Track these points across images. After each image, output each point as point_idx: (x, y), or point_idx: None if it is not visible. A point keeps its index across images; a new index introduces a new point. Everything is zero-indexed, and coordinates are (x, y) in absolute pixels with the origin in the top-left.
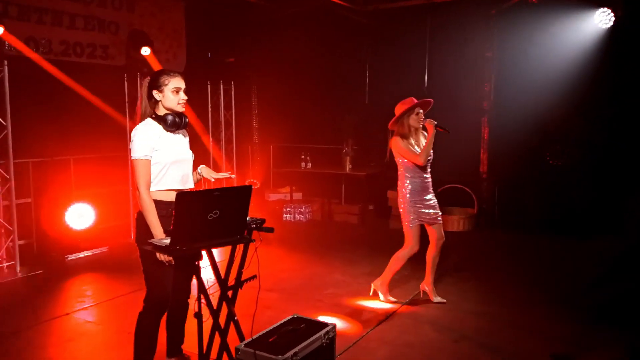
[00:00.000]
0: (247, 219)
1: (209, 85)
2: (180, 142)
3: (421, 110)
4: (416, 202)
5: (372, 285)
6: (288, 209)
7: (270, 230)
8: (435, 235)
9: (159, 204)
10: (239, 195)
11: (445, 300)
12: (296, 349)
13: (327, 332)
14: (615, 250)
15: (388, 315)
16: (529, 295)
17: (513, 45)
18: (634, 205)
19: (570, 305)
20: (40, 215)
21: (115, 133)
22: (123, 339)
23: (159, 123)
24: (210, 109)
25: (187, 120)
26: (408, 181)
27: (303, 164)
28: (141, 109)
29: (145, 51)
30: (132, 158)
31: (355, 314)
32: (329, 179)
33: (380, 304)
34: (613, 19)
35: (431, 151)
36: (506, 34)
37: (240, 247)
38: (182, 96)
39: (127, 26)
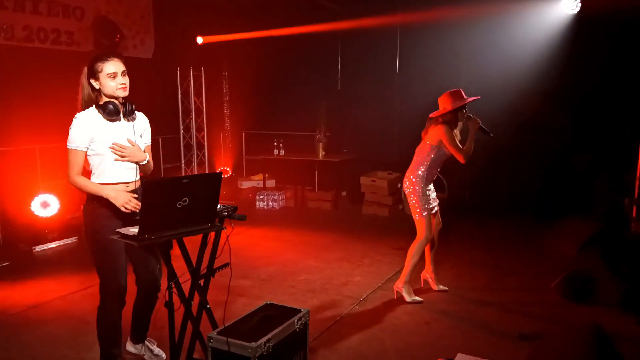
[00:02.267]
0: (219, 206)
1: (178, 71)
2: (123, 132)
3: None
4: (426, 190)
5: (395, 289)
6: (261, 197)
7: (243, 217)
8: (434, 222)
9: (102, 199)
10: (209, 183)
11: (447, 288)
12: (269, 336)
13: (300, 318)
14: (581, 232)
15: (361, 300)
16: (499, 276)
17: (483, 32)
18: (601, 188)
19: (539, 285)
20: (6, 206)
21: None
22: (93, 330)
23: (99, 112)
24: (180, 95)
25: (133, 106)
26: (428, 172)
27: (276, 150)
28: (82, 99)
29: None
30: (67, 147)
31: (329, 299)
32: (302, 165)
33: (353, 289)
34: (579, 4)
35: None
36: (475, 20)
37: (211, 235)
38: (121, 80)
39: (93, 12)
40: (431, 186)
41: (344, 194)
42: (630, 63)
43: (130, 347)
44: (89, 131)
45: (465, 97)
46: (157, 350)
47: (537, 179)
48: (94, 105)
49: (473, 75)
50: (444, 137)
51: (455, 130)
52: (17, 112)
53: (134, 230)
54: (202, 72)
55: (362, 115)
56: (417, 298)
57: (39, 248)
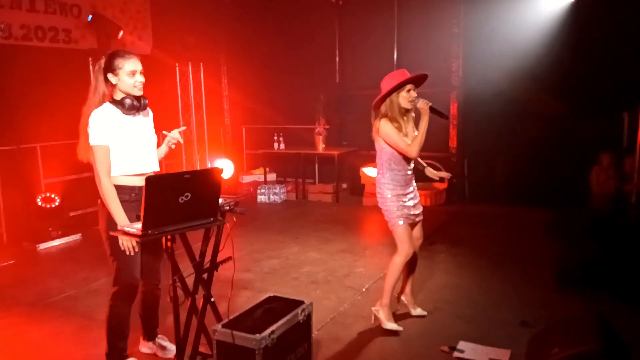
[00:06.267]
0: (220, 200)
1: (177, 67)
2: (141, 125)
3: (412, 88)
4: (400, 195)
5: (373, 310)
6: (262, 190)
7: (244, 212)
8: (414, 234)
9: (121, 188)
10: (210, 178)
11: (425, 313)
12: (273, 327)
13: (304, 310)
14: (581, 220)
15: (363, 291)
16: (499, 265)
17: (480, 20)
18: (600, 175)
19: (540, 272)
20: (10, 204)
21: (81, 119)
22: (98, 327)
23: (117, 107)
24: (179, 91)
25: (146, 102)
26: (389, 174)
27: (276, 144)
28: (96, 92)
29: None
30: (91, 144)
31: (332, 290)
32: (302, 159)
33: (355, 280)
34: None
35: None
36: (473, 9)
37: (214, 230)
38: (139, 78)
39: (90, 9)
40: (410, 189)
41: (344, 186)
42: (629, 49)
43: (143, 348)
44: (109, 126)
45: (407, 75)
46: (169, 345)
47: (535, 168)
48: (108, 102)
49: (471, 66)
50: (385, 135)
51: (403, 120)
52: (17, 111)
53: (137, 226)
54: (201, 67)
55: (361, 107)
56: (395, 325)
57: (43, 246)
